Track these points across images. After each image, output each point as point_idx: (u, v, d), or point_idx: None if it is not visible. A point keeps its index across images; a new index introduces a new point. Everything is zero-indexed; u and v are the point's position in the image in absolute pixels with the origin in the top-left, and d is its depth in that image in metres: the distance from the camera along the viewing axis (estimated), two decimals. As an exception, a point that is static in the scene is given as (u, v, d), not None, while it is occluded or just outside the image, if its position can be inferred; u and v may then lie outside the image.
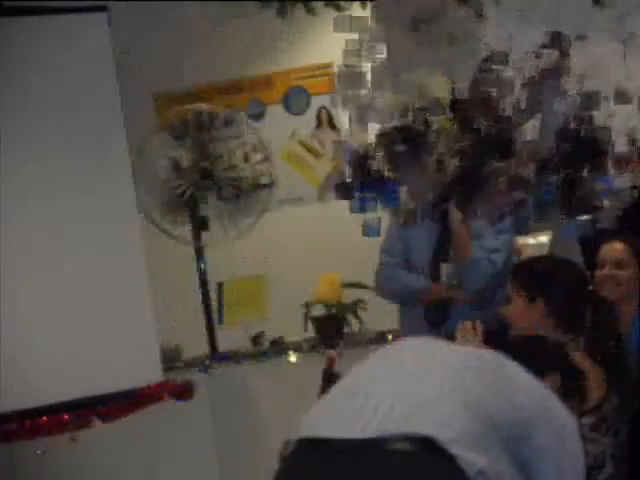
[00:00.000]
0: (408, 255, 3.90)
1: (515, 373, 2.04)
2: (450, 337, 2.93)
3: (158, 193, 4.88)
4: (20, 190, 3.94)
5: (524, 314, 3.01)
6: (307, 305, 4.59)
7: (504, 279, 3.31)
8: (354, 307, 4.59)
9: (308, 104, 5.32)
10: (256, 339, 4.72)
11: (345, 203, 5.33)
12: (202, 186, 4.89)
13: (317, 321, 4.61)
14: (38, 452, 3.91)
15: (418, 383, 1.93)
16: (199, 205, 4.90)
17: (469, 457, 1.79)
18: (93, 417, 3.89)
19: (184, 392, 4.17)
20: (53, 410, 3.87)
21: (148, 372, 4.08)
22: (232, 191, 4.94)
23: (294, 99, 5.34)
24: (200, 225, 4.87)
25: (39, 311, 3.93)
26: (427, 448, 1.79)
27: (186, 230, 4.90)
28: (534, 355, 2.38)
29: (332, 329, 4.58)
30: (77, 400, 3.89)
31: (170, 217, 4.90)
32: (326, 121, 5.33)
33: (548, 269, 3.06)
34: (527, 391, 2.00)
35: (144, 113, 5.00)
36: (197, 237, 4.89)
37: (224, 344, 4.79)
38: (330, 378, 3.96)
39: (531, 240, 4.27)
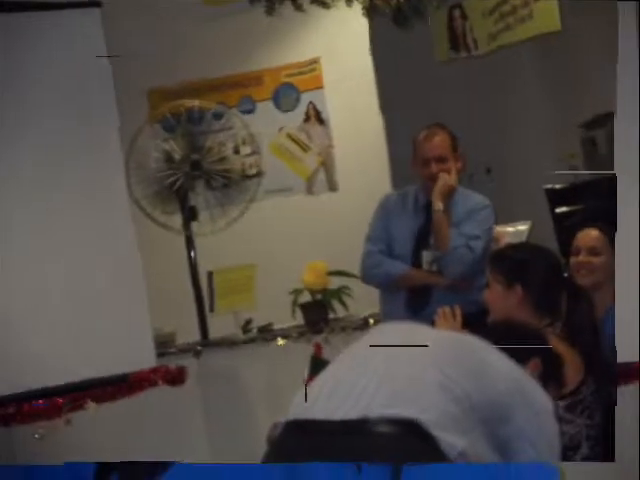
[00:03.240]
0: (391, 243, 3.95)
1: (493, 357, 2.10)
2: (430, 322, 2.95)
3: (149, 183, 4.89)
4: (14, 179, 3.97)
5: (502, 299, 3.05)
6: (296, 292, 4.62)
7: (484, 265, 3.32)
8: (339, 293, 4.61)
9: (298, 101, 5.37)
10: (245, 326, 4.74)
11: (332, 194, 5.41)
12: (192, 176, 4.90)
13: (304, 308, 4.64)
14: (36, 436, 3.90)
15: (400, 368, 2.00)
16: (188, 195, 4.91)
17: (450, 439, 1.86)
18: (87, 399, 3.92)
19: (177, 377, 4.20)
20: (48, 394, 3.89)
21: (142, 358, 4.11)
22: (221, 180, 4.97)
23: (284, 96, 5.38)
24: (189, 215, 4.87)
25: (35, 298, 3.95)
26: (410, 430, 1.86)
27: (176, 219, 4.92)
28: (515, 341, 2.39)
29: (317, 315, 4.61)
30: (72, 384, 3.92)
31: (161, 207, 4.92)
32: (314, 115, 5.37)
33: (525, 257, 3.10)
34: (505, 374, 2.07)
35: (136, 107, 5.02)
36: (187, 226, 4.89)
37: (215, 331, 4.82)
38: (317, 365, 4.04)
39: (509, 228, 4.31)
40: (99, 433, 4.21)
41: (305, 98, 5.38)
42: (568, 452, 2.64)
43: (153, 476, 1.92)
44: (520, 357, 2.25)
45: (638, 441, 2.89)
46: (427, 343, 2.07)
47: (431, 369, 1.97)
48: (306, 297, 4.68)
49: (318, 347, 4.39)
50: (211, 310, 4.84)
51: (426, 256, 3.87)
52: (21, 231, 3.97)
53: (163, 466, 1.91)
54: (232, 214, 4.98)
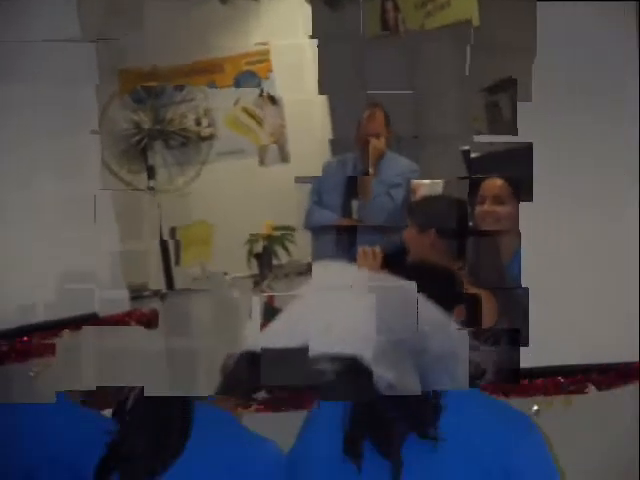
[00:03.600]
0: (326, 196, 4.46)
1: (409, 291, 2.14)
2: (355, 260, 3.19)
3: (116, 143, 5.19)
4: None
5: (418, 240, 3.36)
6: (250, 242, 4.93)
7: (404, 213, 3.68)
8: (282, 240, 4.91)
9: (259, 87, 5.58)
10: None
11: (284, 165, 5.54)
12: (152, 136, 5.21)
13: (257, 256, 4.94)
14: (31, 374, 3.70)
15: (339, 306, 2.10)
16: (148, 154, 5.19)
17: (380, 372, 1.94)
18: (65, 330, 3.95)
19: (152, 320, 4.07)
20: (29, 330, 3.91)
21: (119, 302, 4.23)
22: (179, 139, 5.27)
23: (244, 83, 5.58)
24: (150, 173, 5.16)
25: (20, 251, 3.96)
26: (352, 367, 1.94)
27: (142, 178, 5.20)
28: (436, 283, 2.35)
29: (264, 261, 4.93)
30: (51, 321, 3.98)
31: (127, 166, 5.22)
32: (267, 96, 5.63)
33: (439, 208, 3.46)
34: (423, 307, 2.11)
35: (107, 82, 4.81)
36: (149, 185, 5.18)
37: (181, 281, 5.06)
38: (270, 312, 4.51)
39: (426, 180, 4.57)
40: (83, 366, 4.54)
41: (266, 86, 5.60)
42: (475, 380, 2.58)
43: (154, 476, 1.93)
44: (445, 302, 2.25)
45: (638, 441, 2.90)
46: (362, 283, 2.15)
47: (366, 307, 2.04)
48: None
49: (270, 296, 4.56)
50: (177, 263, 5.14)
51: (354, 205, 4.38)
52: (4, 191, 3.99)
53: (163, 465, 1.93)
54: (190, 173, 5.31)
